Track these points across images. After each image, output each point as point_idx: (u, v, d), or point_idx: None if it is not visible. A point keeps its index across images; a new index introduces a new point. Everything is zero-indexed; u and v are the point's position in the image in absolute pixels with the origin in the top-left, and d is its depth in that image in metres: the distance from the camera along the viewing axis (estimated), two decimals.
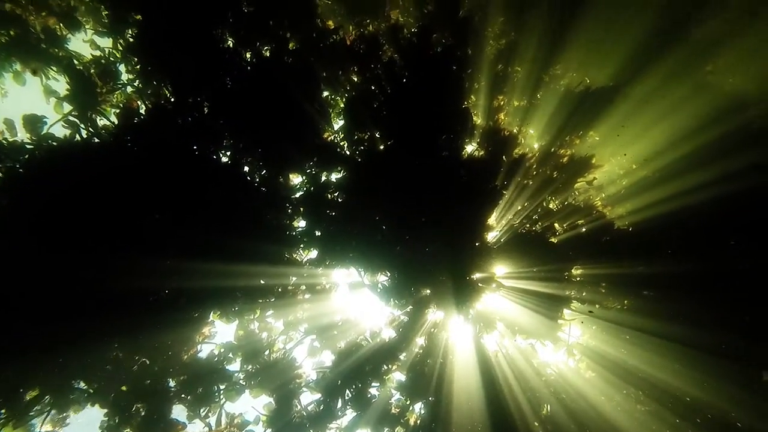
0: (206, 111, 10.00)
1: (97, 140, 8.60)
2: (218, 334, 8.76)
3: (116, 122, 8.86)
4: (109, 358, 7.63)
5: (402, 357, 8.76)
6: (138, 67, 9.22)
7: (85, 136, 8.42)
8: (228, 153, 9.82)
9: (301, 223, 9.79)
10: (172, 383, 7.82)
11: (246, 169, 9.94)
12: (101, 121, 8.82)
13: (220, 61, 9.92)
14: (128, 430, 7.22)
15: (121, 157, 8.87)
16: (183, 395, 7.75)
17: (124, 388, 7.42)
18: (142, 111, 9.20)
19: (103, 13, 9.48)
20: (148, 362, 7.77)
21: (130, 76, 9.39)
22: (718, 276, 9.75)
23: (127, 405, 7.24)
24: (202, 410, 7.82)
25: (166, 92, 9.77)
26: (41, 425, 7.76)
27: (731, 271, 9.80)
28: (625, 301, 10.01)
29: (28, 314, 7.55)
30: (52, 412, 7.70)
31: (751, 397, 8.41)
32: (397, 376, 8.73)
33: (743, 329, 9.05)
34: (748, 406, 8.43)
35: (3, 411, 7.32)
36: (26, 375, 7.46)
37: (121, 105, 8.99)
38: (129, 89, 9.47)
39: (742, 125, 9.91)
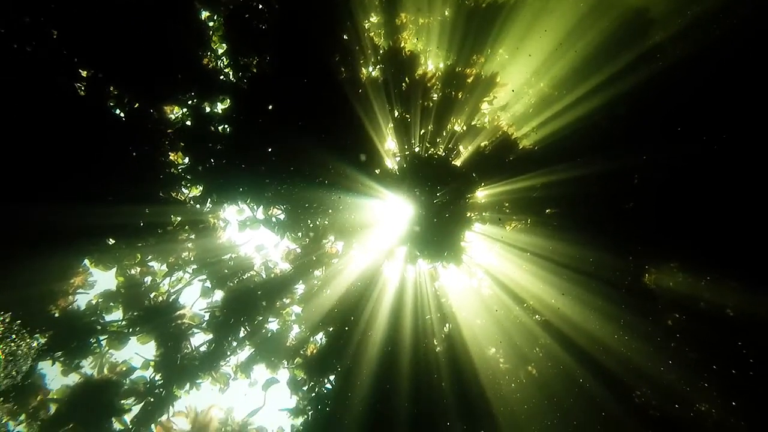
0: (54, 37, 8.62)
1: None
2: (97, 284, 8.05)
3: None
4: None
5: (299, 290, 8.49)
6: None
7: None
8: (86, 85, 8.58)
9: (184, 160, 8.93)
10: (40, 341, 7.18)
11: (112, 103, 8.79)
12: None
13: None
14: None
15: None
16: (53, 352, 7.17)
17: None
18: None
19: None
20: (7, 320, 7.04)
21: None
22: (614, 190, 9.95)
23: None
24: (75, 363, 7.30)
25: None
26: None
27: (627, 186, 10.01)
28: (528, 220, 10.10)
29: None
30: None
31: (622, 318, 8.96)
32: (296, 309, 8.52)
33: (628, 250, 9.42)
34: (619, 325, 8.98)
35: None
36: None
37: None
38: None
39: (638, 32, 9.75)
